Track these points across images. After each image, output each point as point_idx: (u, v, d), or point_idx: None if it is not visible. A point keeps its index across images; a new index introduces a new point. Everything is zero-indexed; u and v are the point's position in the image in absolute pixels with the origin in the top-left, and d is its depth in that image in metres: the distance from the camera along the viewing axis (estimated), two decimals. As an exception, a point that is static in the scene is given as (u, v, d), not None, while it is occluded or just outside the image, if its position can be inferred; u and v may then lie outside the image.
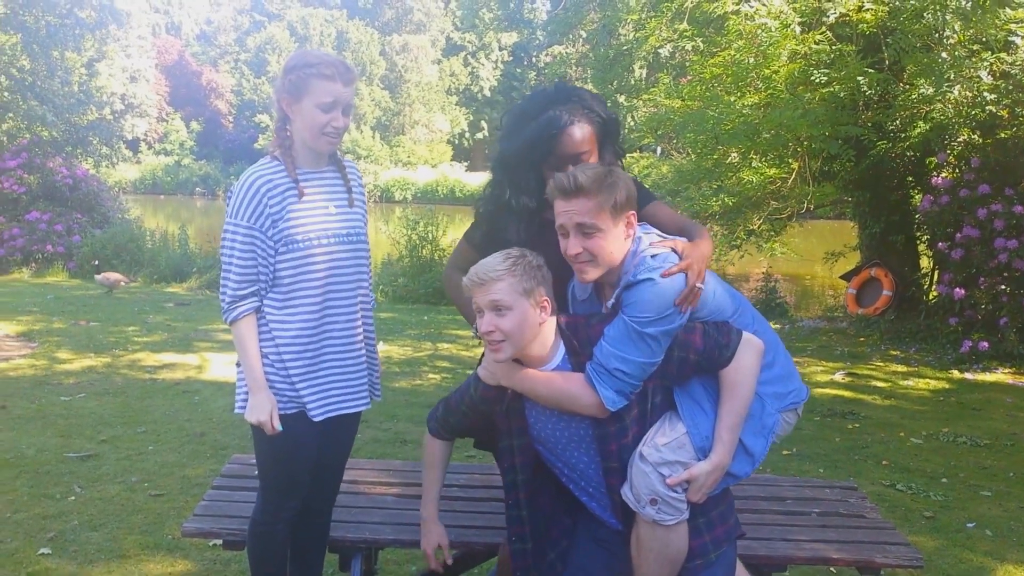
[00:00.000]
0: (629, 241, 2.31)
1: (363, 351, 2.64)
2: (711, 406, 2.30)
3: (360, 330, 2.63)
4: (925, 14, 7.61)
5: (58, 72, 15.03)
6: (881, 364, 7.97)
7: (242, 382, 2.56)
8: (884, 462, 5.07)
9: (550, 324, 2.31)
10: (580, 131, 2.44)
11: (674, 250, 2.28)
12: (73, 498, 4.10)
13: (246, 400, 2.55)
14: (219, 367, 6.93)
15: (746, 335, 2.30)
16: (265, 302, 2.51)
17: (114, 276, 11.28)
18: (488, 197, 2.65)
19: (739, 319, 2.38)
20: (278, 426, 2.47)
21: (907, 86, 8.15)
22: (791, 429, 2.52)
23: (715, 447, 2.26)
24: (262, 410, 2.46)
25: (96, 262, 12.31)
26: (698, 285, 2.21)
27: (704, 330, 2.27)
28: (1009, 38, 7.38)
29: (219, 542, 3.47)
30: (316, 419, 2.53)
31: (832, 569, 3.56)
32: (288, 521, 2.61)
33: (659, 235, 2.38)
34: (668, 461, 2.24)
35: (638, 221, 2.37)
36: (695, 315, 2.28)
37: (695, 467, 2.24)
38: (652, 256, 2.25)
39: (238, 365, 2.58)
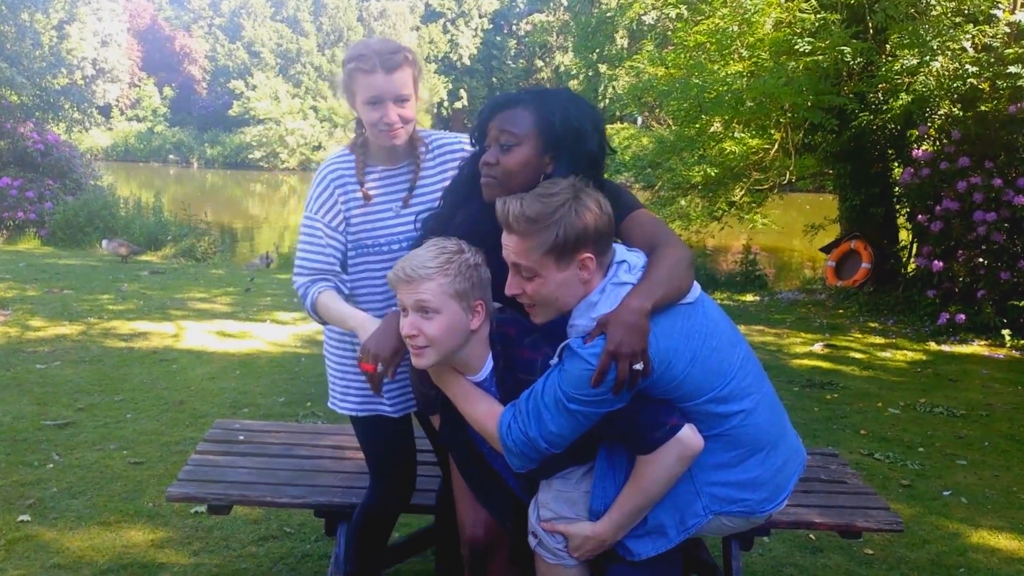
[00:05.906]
0: (594, 281, 1.99)
1: None
2: (626, 478, 2.08)
3: None
4: (910, -17, 7.62)
5: (28, 35, 14.66)
6: (859, 336, 8.04)
7: (333, 374, 2.53)
8: (862, 432, 5.13)
9: (483, 331, 2.07)
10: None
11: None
12: (51, 465, 4.05)
13: (342, 394, 2.52)
14: (196, 335, 6.86)
15: (683, 433, 1.96)
16: None
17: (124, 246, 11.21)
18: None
19: (729, 396, 2.03)
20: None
21: (890, 57, 8.14)
22: (735, 531, 2.28)
23: (603, 518, 2.07)
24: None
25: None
26: (635, 367, 1.88)
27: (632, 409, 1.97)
28: (992, 11, 7.40)
29: (202, 509, 3.46)
30: (393, 416, 2.47)
31: (811, 535, 3.60)
32: (397, 504, 2.59)
33: (627, 270, 2.02)
34: (551, 509, 2.12)
35: (620, 235, 2.10)
36: (662, 395, 1.98)
37: (574, 525, 2.09)
38: (583, 340, 1.94)
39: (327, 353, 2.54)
